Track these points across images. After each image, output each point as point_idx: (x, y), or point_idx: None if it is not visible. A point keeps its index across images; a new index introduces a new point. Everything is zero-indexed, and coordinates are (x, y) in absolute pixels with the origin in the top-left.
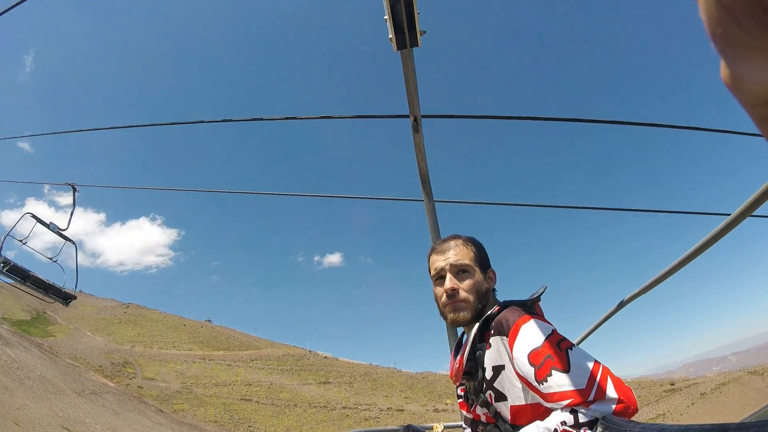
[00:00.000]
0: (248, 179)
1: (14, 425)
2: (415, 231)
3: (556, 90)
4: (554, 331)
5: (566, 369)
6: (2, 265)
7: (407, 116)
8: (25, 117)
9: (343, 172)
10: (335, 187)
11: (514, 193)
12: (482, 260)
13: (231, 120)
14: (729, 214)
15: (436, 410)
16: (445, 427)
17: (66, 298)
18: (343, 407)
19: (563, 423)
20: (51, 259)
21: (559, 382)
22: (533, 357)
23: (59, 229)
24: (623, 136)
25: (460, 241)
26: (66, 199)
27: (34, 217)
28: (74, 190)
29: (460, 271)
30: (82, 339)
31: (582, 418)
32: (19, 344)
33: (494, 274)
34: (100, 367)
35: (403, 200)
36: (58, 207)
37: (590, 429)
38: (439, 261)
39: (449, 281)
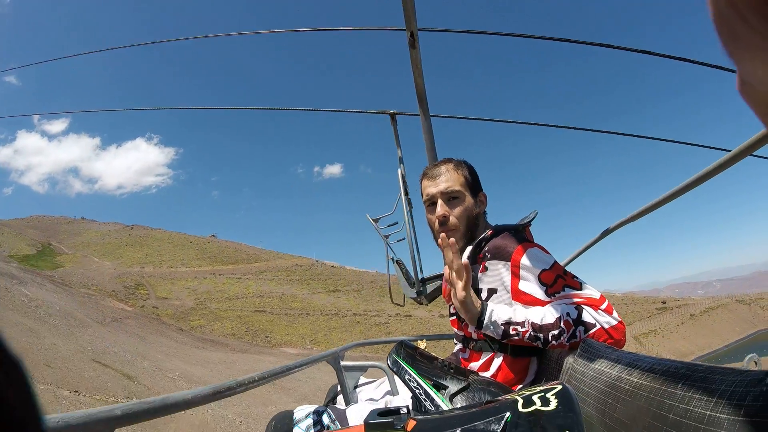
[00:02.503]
0: (244, 92)
1: (47, 368)
2: (414, 142)
3: (563, 7)
4: (557, 262)
5: (579, 288)
6: None
7: (404, 30)
8: (8, 49)
9: (341, 84)
10: (332, 99)
11: (511, 111)
12: (473, 184)
13: (225, 35)
14: (729, 150)
15: (441, 316)
16: (428, 341)
17: None
18: (354, 314)
19: (567, 314)
20: None
21: (571, 293)
22: (544, 277)
23: None
24: (633, 62)
25: (451, 166)
26: (56, 126)
27: None
28: (393, 119)
29: (451, 198)
30: (91, 266)
31: (585, 317)
32: (32, 281)
33: (485, 197)
34: (114, 291)
35: (401, 114)
36: (50, 137)
37: (584, 343)
38: (430, 187)
39: (440, 207)
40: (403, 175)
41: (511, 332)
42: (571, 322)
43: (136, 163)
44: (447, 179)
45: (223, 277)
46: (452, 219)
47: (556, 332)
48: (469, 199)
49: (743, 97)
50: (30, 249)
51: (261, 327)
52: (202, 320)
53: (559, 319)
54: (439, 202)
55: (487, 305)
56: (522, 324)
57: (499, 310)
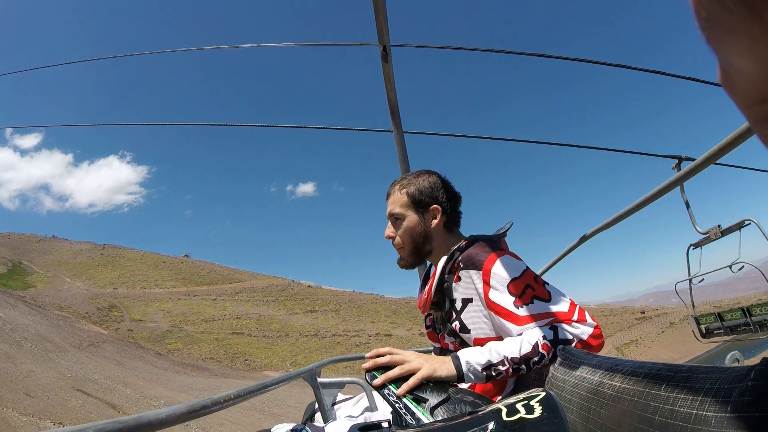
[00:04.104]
0: (216, 110)
1: (28, 397)
2: (386, 158)
3: (535, 23)
4: (528, 268)
5: (548, 298)
6: None
7: (376, 45)
8: None
9: (314, 101)
10: (305, 116)
11: (486, 127)
12: (420, 201)
13: (194, 49)
14: (694, 159)
15: (421, 334)
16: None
17: None
18: (333, 335)
19: (544, 337)
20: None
21: (540, 307)
22: (513, 287)
23: None
24: (599, 76)
25: (397, 187)
26: (29, 141)
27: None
28: (679, 165)
29: (395, 219)
30: (63, 286)
31: (562, 335)
32: (4, 302)
33: (438, 209)
34: (87, 313)
35: (373, 131)
36: (23, 152)
37: (563, 350)
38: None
39: (387, 229)
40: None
41: (494, 374)
42: (549, 344)
43: (108, 180)
44: (392, 201)
45: (198, 299)
46: (396, 239)
47: (536, 359)
48: (412, 218)
49: (725, 90)
50: (0, 267)
51: (239, 350)
52: (179, 343)
53: (536, 345)
54: (388, 223)
55: (459, 358)
56: (502, 363)
57: (474, 358)
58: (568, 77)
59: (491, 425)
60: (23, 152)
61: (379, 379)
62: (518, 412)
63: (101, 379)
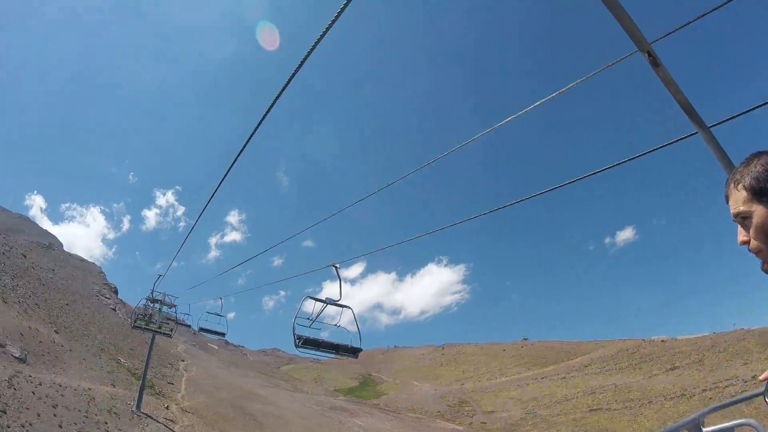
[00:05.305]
0: (502, 191)
1: None
2: (704, 165)
3: None
4: None
5: None
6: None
7: (638, 52)
8: (298, 221)
9: (596, 142)
10: (590, 164)
11: None
12: (762, 189)
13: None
14: None
15: None
16: None
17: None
18: (702, 390)
19: None
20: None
21: None
22: None
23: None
24: None
25: (731, 185)
26: (353, 271)
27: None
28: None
29: (742, 219)
30: (411, 390)
31: None
32: (362, 411)
33: None
34: (439, 412)
35: (674, 143)
36: (351, 281)
37: None
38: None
39: (738, 235)
40: None
41: None
42: None
43: (432, 286)
44: (732, 202)
45: (546, 380)
46: (752, 243)
47: None
48: (760, 213)
49: None
50: (353, 381)
51: (602, 427)
52: (536, 430)
53: None
54: (738, 228)
55: None
56: None
57: None
58: None
59: None
60: (352, 282)
61: None
62: None
63: None
